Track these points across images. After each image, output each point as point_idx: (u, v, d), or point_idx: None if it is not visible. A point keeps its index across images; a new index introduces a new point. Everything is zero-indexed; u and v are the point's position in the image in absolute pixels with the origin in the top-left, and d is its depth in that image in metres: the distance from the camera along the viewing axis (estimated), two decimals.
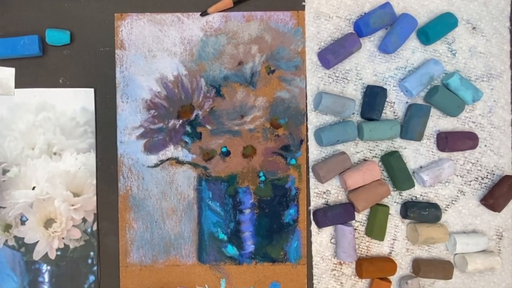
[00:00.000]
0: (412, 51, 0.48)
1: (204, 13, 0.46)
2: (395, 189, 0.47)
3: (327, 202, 0.47)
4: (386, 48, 0.46)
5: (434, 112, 0.48)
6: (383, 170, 0.47)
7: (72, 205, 0.45)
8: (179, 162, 0.46)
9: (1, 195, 0.45)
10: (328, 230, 0.47)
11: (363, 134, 0.46)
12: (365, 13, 0.47)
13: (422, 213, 0.46)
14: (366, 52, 0.47)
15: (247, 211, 0.47)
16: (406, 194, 0.48)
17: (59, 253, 0.45)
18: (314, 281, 0.47)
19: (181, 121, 0.46)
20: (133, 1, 0.46)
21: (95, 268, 0.46)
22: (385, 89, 0.46)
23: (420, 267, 0.46)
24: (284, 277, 0.47)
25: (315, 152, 0.47)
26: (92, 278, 0.46)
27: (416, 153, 0.48)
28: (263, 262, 0.47)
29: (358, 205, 0.45)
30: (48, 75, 0.45)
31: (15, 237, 0.45)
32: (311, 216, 0.47)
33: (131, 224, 0.46)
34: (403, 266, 0.48)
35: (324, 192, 0.47)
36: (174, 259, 0.46)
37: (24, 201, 0.45)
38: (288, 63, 0.47)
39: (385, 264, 0.46)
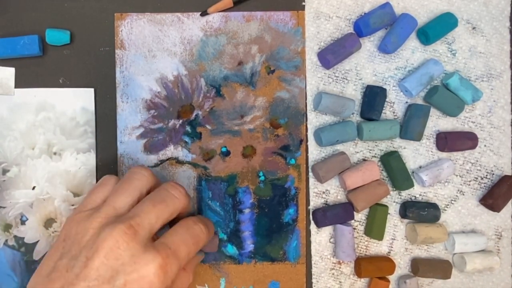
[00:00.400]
0: (412, 51, 0.48)
1: (204, 13, 0.46)
2: (394, 189, 0.47)
3: (327, 202, 0.47)
4: (386, 48, 0.46)
5: (433, 112, 0.48)
6: (382, 170, 0.47)
7: (72, 205, 0.45)
8: (179, 162, 0.46)
9: (1, 195, 0.45)
10: (327, 230, 0.47)
11: (362, 134, 0.46)
12: (365, 13, 0.47)
13: (421, 213, 0.46)
14: (366, 52, 0.47)
15: (247, 211, 0.47)
16: (405, 194, 0.48)
17: None
18: (313, 280, 0.47)
19: (181, 121, 0.46)
20: (133, 1, 0.46)
21: None
22: (385, 89, 0.46)
23: (419, 266, 0.46)
24: (283, 276, 0.47)
25: (314, 152, 0.47)
26: None
27: (415, 153, 0.48)
28: (263, 261, 0.47)
29: (357, 205, 0.45)
30: (48, 75, 0.46)
31: (15, 237, 0.45)
32: (311, 216, 0.47)
33: None
34: (402, 266, 0.48)
35: (323, 192, 0.47)
36: None
37: (24, 201, 0.45)
38: (288, 63, 0.47)
39: (384, 263, 0.46)
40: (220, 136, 0.46)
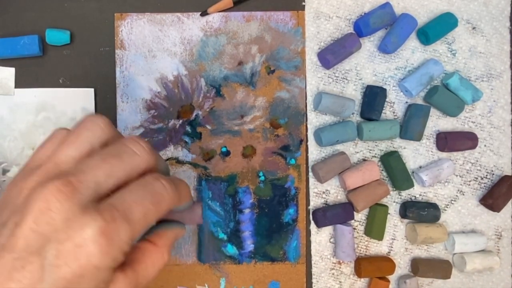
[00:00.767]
0: (412, 51, 0.48)
1: (204, 13, 0.46)
2: (394, 189, 0.47)
3: (327, 202, 0.47)
4: (386, 48, 0.46)
5: (433, 112, 0.48)
6: (382, 170, 0.47)
7: None
8: (179, 162, 0.46)
9: (1, 195, 0.45)
10: (327, 230, 0.47)
11: (362, 134, 0.46)
12: (365, 13, 0.47)
13: (421, 213, 0.46)
14: (366, 52, 0.47)
15: (247, 211, 0.47)
16: (405, 194, 0.48)
17: None
18: (313, 280, 0.47)
19: (181, 121, 0.46)
20: (133, 1, 0.46)
21: None
22: (385, 89, 0.46)
23: (419, 266, 0.46)
24: (283, 276, 0.47)
25: (314, 152, 0.47)
26: None
27: (415, 153, 0.48)
28: (263, 261, 0.47)
29: (357, 205, 0.45)
30: (48, 75, 0.45)
31: None
32: (311, 216, 0.47)
33: None
34: (402, 266, 0.48)
35: (323, 192, 0.47)
36: (173, 258, 0.46)
37: None
38: (288, 63, 0.47)
39: (384, 263, 0.47)
40: (220, 136, 0.46)
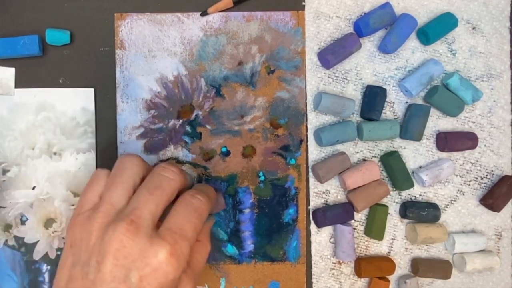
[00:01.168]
0: (412, 51, 0.48)
1: (204, 13, 0.46)
2: (394, 189, 0.47)
3: (327, 202, 0.47)
4: (386, 48, 0.46)
5: (433, 112, 0.48)
6: (382, 170, 0.47)
7: (72, 205, 0.45)
8: (179, 162, 0.46)
9: (1, 195, 0.45)
10: (327, 230, 0.47)
11: (362, 134, 0.46)
12: (365, 13, 0.47)
13: (421, 213, 0.46)
14: (366, 52, 0.47)
15: (247, 211, 0.47)
16: (405, 194, 0.48)
17: (59, 252, 0.46)
18: (313, 280, 0.47)
19: (181, 121, 0.46)
20: (133, 1, 0.46)
21: None
22: (385, 89, 0.46)
23: (419, 266, 0.46)
24: (283, 276, 0.47)
25: (314, 152, 0.47)
26: None
27: (415, 153, 0.48)
28: (263, 261, 0.47)
29: (357, 205, 0.45)
30: (48, 75, 0.45)
31: (15, 237, 0.45)
32: (311, 216, 0.47)
33: None
34: (402, 266, 0.48)
35: (323, 192, 0.47)
36: None
37: (24, 201, 0.45)
38: (288, 63, 0.47)
39: (384, 263, 0.47)
40: (220, 136, 0.46)
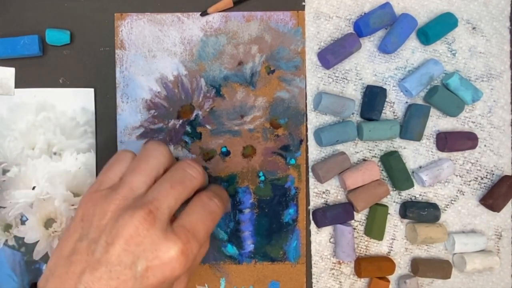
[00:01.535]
0: (412, 51, 0.48)
1: (204, 13, 0.46)
2: (394, 189, 0.47)
3: (327, 202, 0.47)
4: (386, 48, 0.46)
5: (433, 112, 0.48)
6: (382, 170, 0.47)
7: (72, 205, 0.45)
8: None
9: (1, 195, 0.45)
10: (327, 230, 0.47)
11: (362, 134, 0.46)
12: (365, 13, 0.47)
13: (421, 213, 0.46)
14: (366, 52, 0.47)
15: (247, 211, 0.47)
16: (405, 194, 0.48)
17: None
18: (313, 280, 0.47)
19: (181, 121, 0.46)
20: (133, 1, 0.46)
21: None
22: (385, 89, 0.46)
23: (419, 266, 0.46)
24: (283, 276, 0.47)
25: (314, 152, 0.47)
26: None
27: (415, 153, 0.48)
28: (263, 261, 0.47)
29: (357, 205, 0.45)
30: (48, 75, 0.45)
31: (15, 237, 0.45)
32: (311, 216, 0.47)
33: None
34: (402, 266, 0.48)
35: (323, 192, 0.47)
36: None
37: (24, 201, 0.45)
38: (288, 63, 0.47)
39: (384, 263, 0.47)
40: (220, 136, 0.46)
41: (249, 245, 0.47)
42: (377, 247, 0.48)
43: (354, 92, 0.47)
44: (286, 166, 0.47)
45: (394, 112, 0.47)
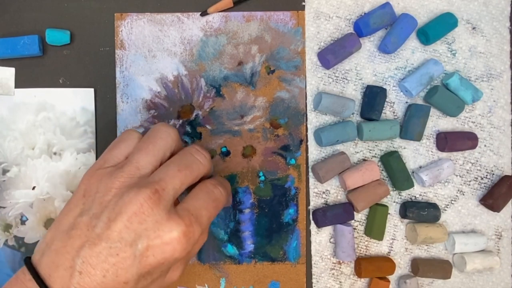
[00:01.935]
0: (412, 51, 0.48)
1: (204, 13, 0.46)
2: (394, 189, 0.47)
3: (327, 202, 0.47)
4: (386, 48, 0.46)
5: (433, 112, 0.48)
6: (382, 170, 0.47)
7: None
8: None
9: (1, 195, 0.45)
10: (327, 230, 0.47)
11: (362, 134, 0.46)
12: (365, 13, 0.47)
13: (421, 213, 0.46)
14: (366, 52, 0.47)
15: (247, 211, 0.47)
16: (406, 194, 0.48)
17: None
18: (313, 280, 0.47)
19: (181, 121, 0.46)
20: (133, 1, 0.46)
21: None
22: (385, 89, 0.46)
23: (419, 266, 0.46)
24: (283, 276, 0.47)
25: (314, 152, 0.47)
26: None
27: (415, 153, 0.48)
28: (263, 262, 0.47)
29: (357, 205, 0.45)
30: (48, 75, 0.46)
31: (15, 237, 0.45)
32: (311, 216, 0.47)
33: None
34: (402, 266, 0.48)
35: (323, 192, 0.47)
36: None
37: (24, 201, 0.45)
38: (288, 63, 0.47)
39: (384, 263, 0.46)
40: (220, 136, 0.46)
41: (249, 245, 0.47)
42: (377, 247, 0.48)
43: (354, 92, 0.47)
44: (286, 166, 0.47)
45: (394, 112, 0.47)
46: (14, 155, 0.45)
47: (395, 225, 0.48)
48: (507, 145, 0.48)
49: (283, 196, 0.47)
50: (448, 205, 0.48)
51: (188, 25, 0.46)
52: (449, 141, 0.46)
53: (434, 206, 0.47)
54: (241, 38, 0.46)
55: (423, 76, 0.46)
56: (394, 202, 0.48)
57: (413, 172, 0.48)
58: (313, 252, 0.47)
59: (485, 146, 0.48)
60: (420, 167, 0.48)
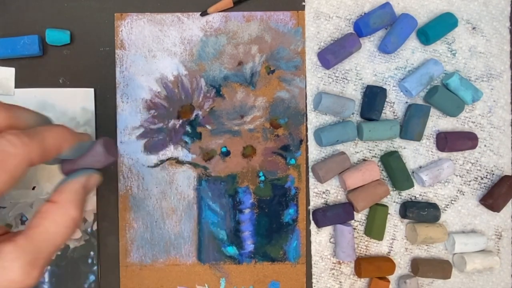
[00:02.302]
0: (412, 51, 0.48)
1: (204, 13, 0.46)
2: (394, 189, 0.47)
3: (327, 202, 0.47)
4: (386, 48, 0.46)
5: (433, 112, 0.48)
6: (382, 170, 0.47)
7: None
8: (179, 162, 0.46)
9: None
10: (327, 230, 0.47)
11: (362, 134, 0.46)
12: (365, 13, 0.47)
13: (421, 213, 0.46)
14: (366, 52, 0.47)
15: (247, 211, 0.47)
16: (406, 194, 0.48)
17: (59, 253, 0.46)
18: (313, 280, 0.47)
19: (181, 121, 0.46)
20: (133, 1, 0.46)
21: (95, 267, 0.46)
22: (385, 89, 0.46)
23: (419, 266, 0.46)
24: (283, 276, 0.47)
25: (314, 152, 0.47)
26: (92, 277, 0.46)
27: (415, 153, 0.48)
28: (263, 262, 0.47)
29: (357, 205, 0.45)
30: (48, 75, 0.45)
31: None
32: (311, 216, 0.47)
33: (131, 224, 0.46)
34: (402, 266, 0.48)
35: (323, 192, 0.47)
36: (174, 258, 0.46)
37: (24, 201, 0.45)
38: (288, 63, 0.47)
39: (384, 263, 0.46)
40: (220, 136, 0.46)
41: (249, 245, 0.47)
42: (377, 247, 0.48)
43: (354, 92, 0.47)
44: (286, 166, 0.47)
45: (394, 112, 0.47)
46: None
47: (395, 225, 0.48)
48: (507, 145, 0.48)
49: (283, 196, 0.47)
50: (448, 205, 0.48)
51: (188, 25, 0.46)
52: (449, 141, 0.46)
53: (434, 206, 0.47)
54: (241, 38, 0.46)
55: (423, 76, 0.46)
56: (394, 202, 0.48)
57: (413, 172, 0.48)
58: (313, 252, 0.47)
59: (485, 146, 0.48)
60: (420, 167, 0.48)
